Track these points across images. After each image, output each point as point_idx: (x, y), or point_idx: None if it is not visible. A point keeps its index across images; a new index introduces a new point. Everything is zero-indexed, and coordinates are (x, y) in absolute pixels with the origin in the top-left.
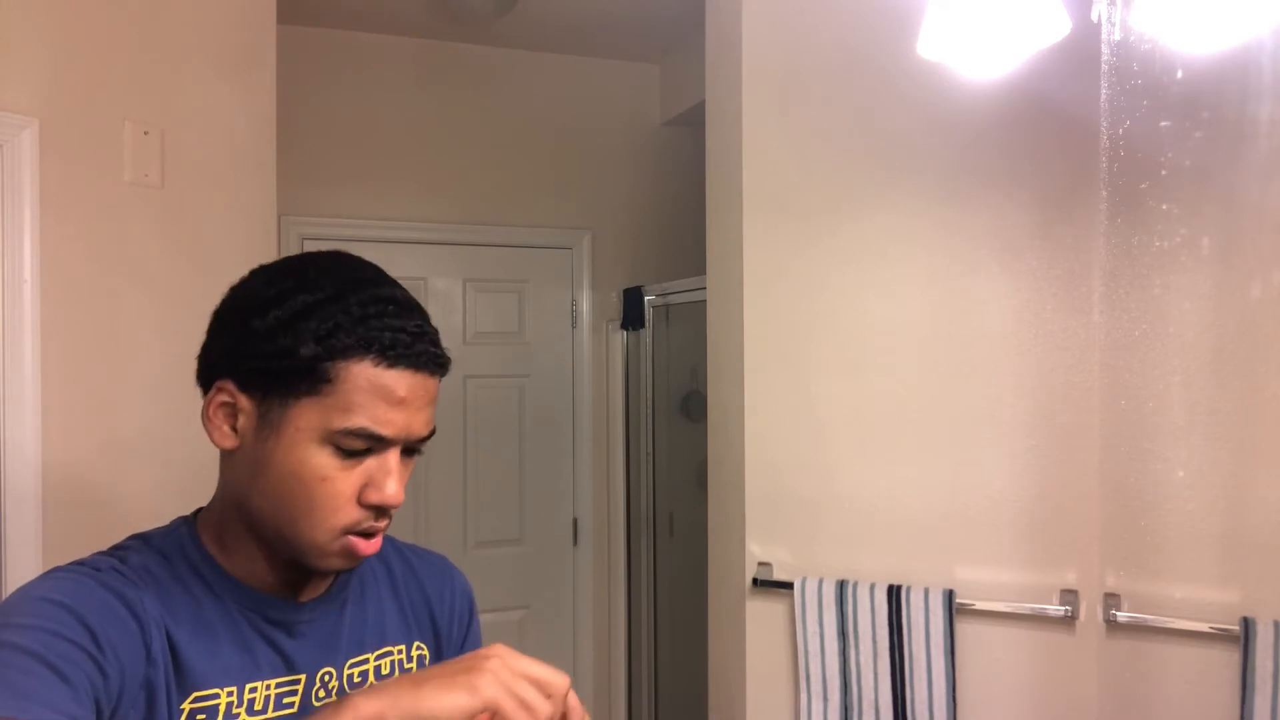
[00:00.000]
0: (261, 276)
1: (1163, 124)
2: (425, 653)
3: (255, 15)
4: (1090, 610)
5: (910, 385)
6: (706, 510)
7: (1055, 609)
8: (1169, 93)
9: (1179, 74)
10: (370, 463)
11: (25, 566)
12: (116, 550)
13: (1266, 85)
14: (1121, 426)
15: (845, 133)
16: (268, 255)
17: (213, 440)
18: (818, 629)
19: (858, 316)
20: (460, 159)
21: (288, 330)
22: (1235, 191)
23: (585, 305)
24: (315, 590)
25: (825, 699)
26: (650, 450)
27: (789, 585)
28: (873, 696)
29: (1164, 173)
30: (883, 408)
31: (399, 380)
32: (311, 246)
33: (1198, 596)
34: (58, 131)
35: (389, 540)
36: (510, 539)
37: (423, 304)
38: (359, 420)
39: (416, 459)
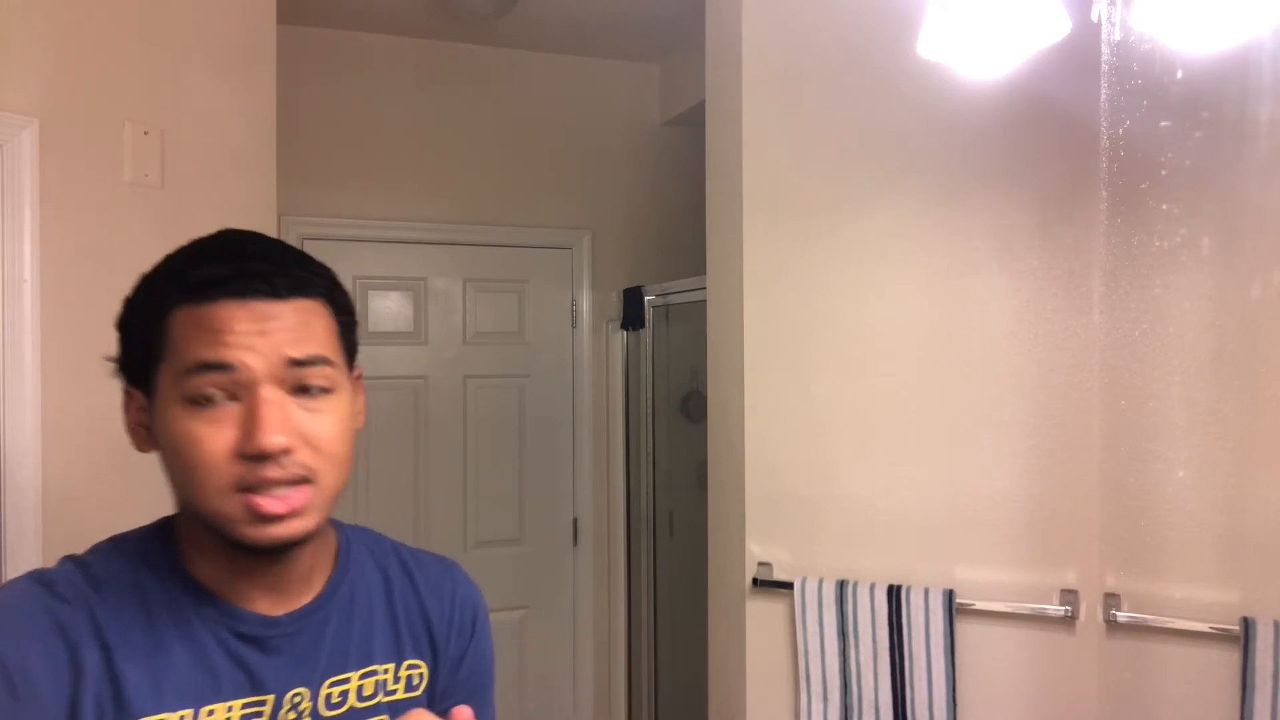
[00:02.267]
0: None
1: (1163, 124)
2: (422, 670)
3: (255, 15)
4: (1090, 610)
5: (910, 385)
6: (706, 510)
7: (1055, 609)
8: (1169, 93)
9: (1179, 74)
10: (238, 411)
11: (27, 562)
12: (85, 555)
13: (1266, 85)
14: (1121, 426)
15: (845, 133)
16: None
17: (138, 449)
18: (818, 629)
19: (858, 316)
20: (460, 159)
21: (132, 310)
22: (1235, 191)
23: (585, 305)
24: (295, 600)
25: (825, 699)
26: (650, 450)
27: (789, 585)
28: (873, 696)
29: (1164, 173)
30: (883, 408)
31: (220, 312)
32: (311, 246)
33: (1198, 596)
34: (58, 131)
35: (393, 547)
36: (510, 539)
37: (422, 302)
38: (192, 358)
39: (333, 397)
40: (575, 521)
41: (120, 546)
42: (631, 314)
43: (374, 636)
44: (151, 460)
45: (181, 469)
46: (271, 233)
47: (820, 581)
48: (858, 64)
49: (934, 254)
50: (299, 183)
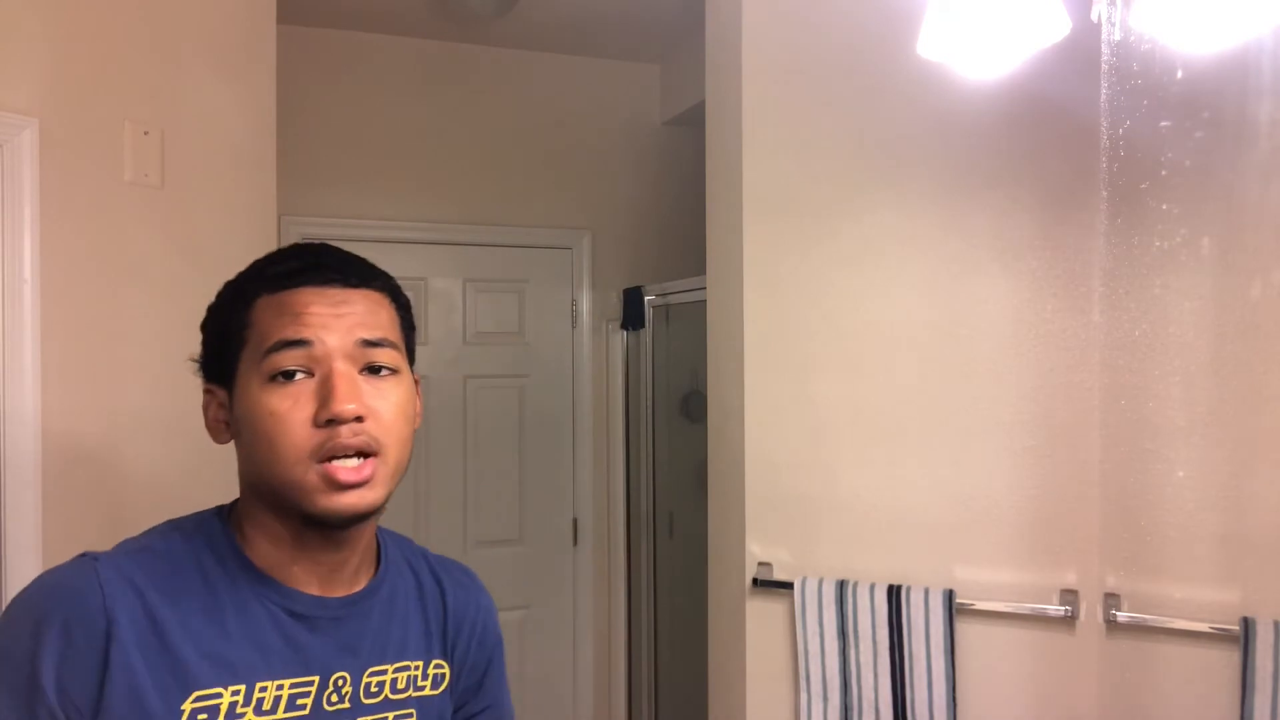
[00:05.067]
0: None
1: (1163, 124)
2: (445, 671)
3: (255, 15)
4: (1090, 610)
5: (910, 385)
6: (706, 510)
7: (1055, 609)
8: (1169, 93)
9: (1179, 74)
10: (316, 385)
11: (26, 564)
12: (143, 536)
13: (1266, 85)
14: (1121, 426)
15: (845, 132)
16: None
17: (218, 441)
18: (818, 629)
19: (858, 316)
20: (460, 159)
21: (216, 310)
22: (1235, 191)
23: (585, 305)
24: (344, 587)
25: (825, 699)
26: (650, 450)
27: (789, 585)
28: (873, 696)
29: (1164, 173)
30: (883, 408)
31: (300, 296)
32: None
33: (1198, 596)
34: (58, 131)
35: (421, 551)
36: (510, 539)
37: (422, 302)
38: (274, 337)
39: (397, 379)
40: (575, 522)
41: (180, 527)
42: (631, 314)
43: (409, 633)
44: (148, 460)
45: (263, 443)
46: (272, 232)
47: (820, 581)
48: (858, 64)
49: (934, 254)
50: (299, 183)
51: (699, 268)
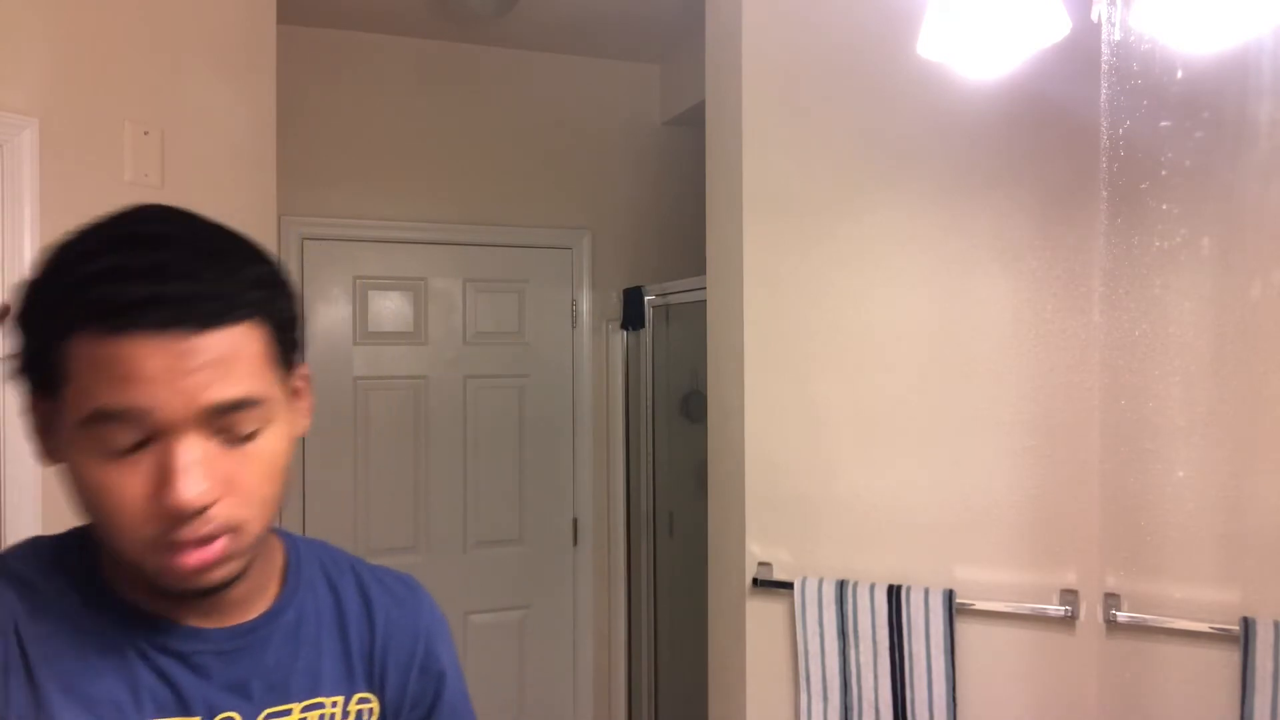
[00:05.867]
0: None
1: (1163, 124)
2: (373, 706)
3: (255, 15)
4: (1090, 610)
5: (910, 385)
6: (706, 510)
7: (1055, 609)
8: (1169, 93)
9: (1179, 74)
10: (154, 457)
11: None
12: (5, 555)
13: (1266, 85)
14: (1121, 426)
15: (845, 132)
16: None
17: (43, 463)
18: (818, 629)
19: (858, 316)
20: (460, 159)
21: (19, 325)
22: (1235, 191)
23: (585, 305)
24: (235, 615)
25: (825, 699)
26: (650, 450)
27: (789, 585)
28: (873, 696)
29: (1164, 173)
30: (883, 408)
31: (132, 350)
32: (311, 246)
33: (1198, 596)
34: (58, 131)
35: (350, 565)
36: (510, 539)
37: (422, 302)
38: (92, 403)
39: (266, 434)
40: (575, 521)
41: (39, 551)
42: (631, 314)
43: (322, 666)
44: None
45: (93, 513)
46: (271, 233)
47: (820, 581)
48: (858, 64)
49: (934, 254)
50: (299, 183)
51: (699, 268)
